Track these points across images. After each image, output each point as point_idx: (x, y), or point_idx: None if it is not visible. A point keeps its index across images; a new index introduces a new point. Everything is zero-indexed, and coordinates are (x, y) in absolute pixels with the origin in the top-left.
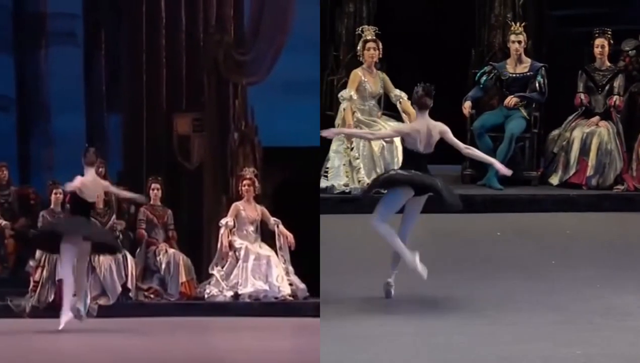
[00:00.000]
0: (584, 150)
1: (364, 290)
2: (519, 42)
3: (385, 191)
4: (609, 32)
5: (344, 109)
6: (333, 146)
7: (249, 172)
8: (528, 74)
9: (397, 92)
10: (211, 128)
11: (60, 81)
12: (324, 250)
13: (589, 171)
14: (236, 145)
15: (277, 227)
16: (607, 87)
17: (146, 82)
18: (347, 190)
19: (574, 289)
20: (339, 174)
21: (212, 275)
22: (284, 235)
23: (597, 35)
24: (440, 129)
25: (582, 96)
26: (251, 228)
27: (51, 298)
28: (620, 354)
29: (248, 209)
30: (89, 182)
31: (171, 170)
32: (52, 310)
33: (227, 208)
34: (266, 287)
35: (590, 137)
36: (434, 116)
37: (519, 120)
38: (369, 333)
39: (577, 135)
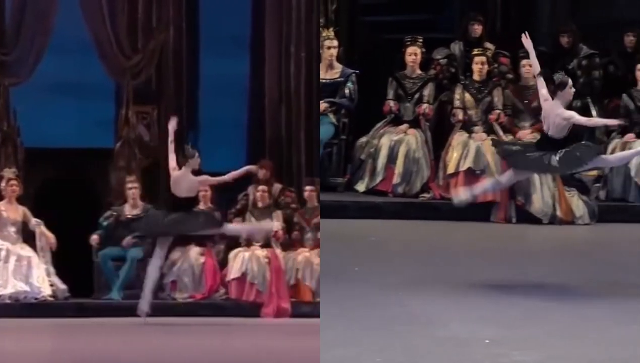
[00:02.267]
0: (392, 157)
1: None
2: (334, 47)
3: None
4: (421, 40)
5: None
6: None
7: (10, 172)
8: (338, 79)
9: None
10: None
11: None
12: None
13: (396, 179)
14: None
15: (39, 228)
16: (416, 95)
17: None
18: None
19: (376, 296)
20: None
21: None
22: (45, 236)
23: (408, 43)
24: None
25: (392, 103)
26: (12, 229)
27: None
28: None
29: (9, 210)
30: (179, 178)
31: None
32: None
33: None
34: (27, 288)
35: (398, 144)
36: None
37: (328, 126)
38: None
39: (385, 142)
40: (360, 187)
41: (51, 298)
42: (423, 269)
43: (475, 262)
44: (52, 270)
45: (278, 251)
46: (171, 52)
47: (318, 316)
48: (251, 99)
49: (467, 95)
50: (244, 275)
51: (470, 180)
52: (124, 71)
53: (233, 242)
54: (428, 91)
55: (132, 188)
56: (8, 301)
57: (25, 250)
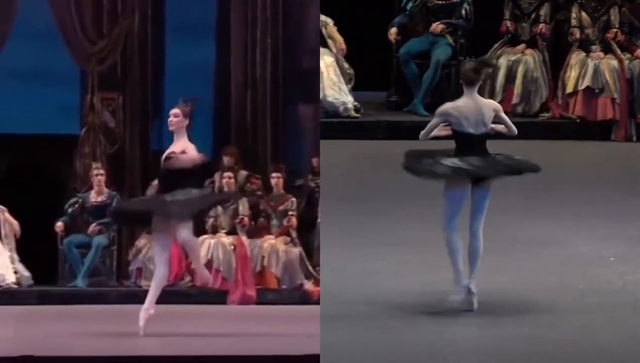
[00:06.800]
0: (510, 77)
1: None
2: None
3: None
4: None
5: None
6: None
7: None
8: (454, 1)
9: (323, 17)
10: None
11: None
12: None
13: (515, 99)
14: None
15: (2, 214)
16: (533, 15)
17: None
18: None
19: (496, 219)
20: None
21: None
22: (9, 223)
23: None
24: (494, 106)
25: (509, 24)
26: None
27: None
28: (541, 283)
29: None
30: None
31: None
32: None
33: None
34: None
35: (516, 65)
36: (360, 42)
37: (445, 47)
38: None
39: (503, 62)
40: None
41: (15, 286)
42: (544, 190)
43: (596, 182)
44: (16, 257)
45: (244, 238)
46: (136, 38)
47: (282, 303)
48: (217, 85)
49: (584, 14)
50: (209, 262)
51: (589, 98)
52: (89, 57)
53: (198, 229)
54: (544, 10)
55: (98, 175)
56: None
57: None
